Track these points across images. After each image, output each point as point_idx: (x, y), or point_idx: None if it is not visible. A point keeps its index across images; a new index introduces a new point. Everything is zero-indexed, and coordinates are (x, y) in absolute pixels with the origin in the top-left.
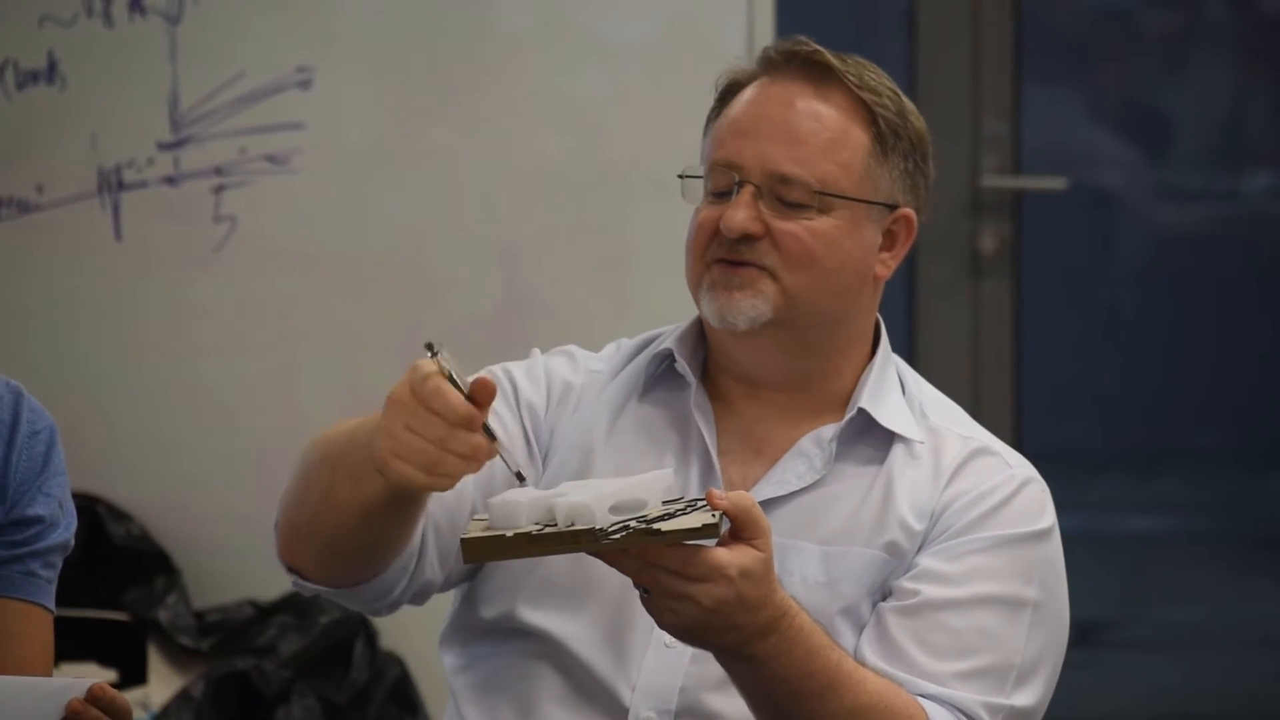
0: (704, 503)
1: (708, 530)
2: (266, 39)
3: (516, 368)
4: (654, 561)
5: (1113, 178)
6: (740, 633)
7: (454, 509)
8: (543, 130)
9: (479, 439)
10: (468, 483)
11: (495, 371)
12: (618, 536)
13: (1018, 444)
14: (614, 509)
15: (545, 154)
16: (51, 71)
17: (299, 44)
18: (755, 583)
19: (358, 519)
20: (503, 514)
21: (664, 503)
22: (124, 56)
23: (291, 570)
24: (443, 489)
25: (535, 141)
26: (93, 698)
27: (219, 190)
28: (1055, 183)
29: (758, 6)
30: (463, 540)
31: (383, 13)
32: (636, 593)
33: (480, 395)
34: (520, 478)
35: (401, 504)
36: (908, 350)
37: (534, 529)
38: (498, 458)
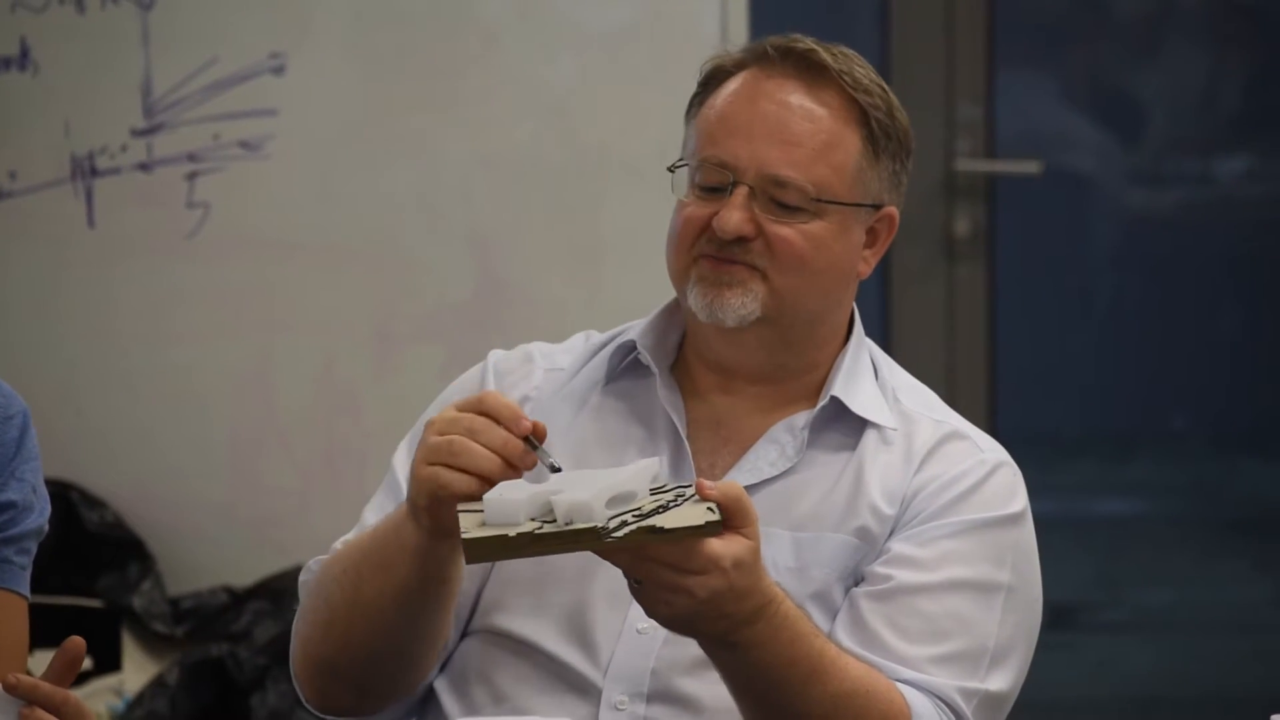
0: (691, 491)
1: (710, 528)
2: (240, 24)
3: (472, 381)
4: (650, 556)
5: (1086, 162)
6: (729, 621)
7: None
8: (517, 117)
9: (516, 439)
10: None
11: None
12: (621, 535)
13: (992, 428)
14: (609, 503)
15: (520, 141)
16: (24, 58)
17: (272, 30)
18: (746, 572)
19: (394, 611)
20: (500, 510)
21: (651, 491)
22: (96, 42)
23: (327, 713)
24: (467, 491)
25: (510, 128)
26: (16, 689)
27: (192, 177)
28: (1029, 167)
29: None
30: (465, 540)
31: None
32: (596, 580)
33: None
34: (555, 469)
35: (436, 579)
36: (882, 334)
37: (534, 527)
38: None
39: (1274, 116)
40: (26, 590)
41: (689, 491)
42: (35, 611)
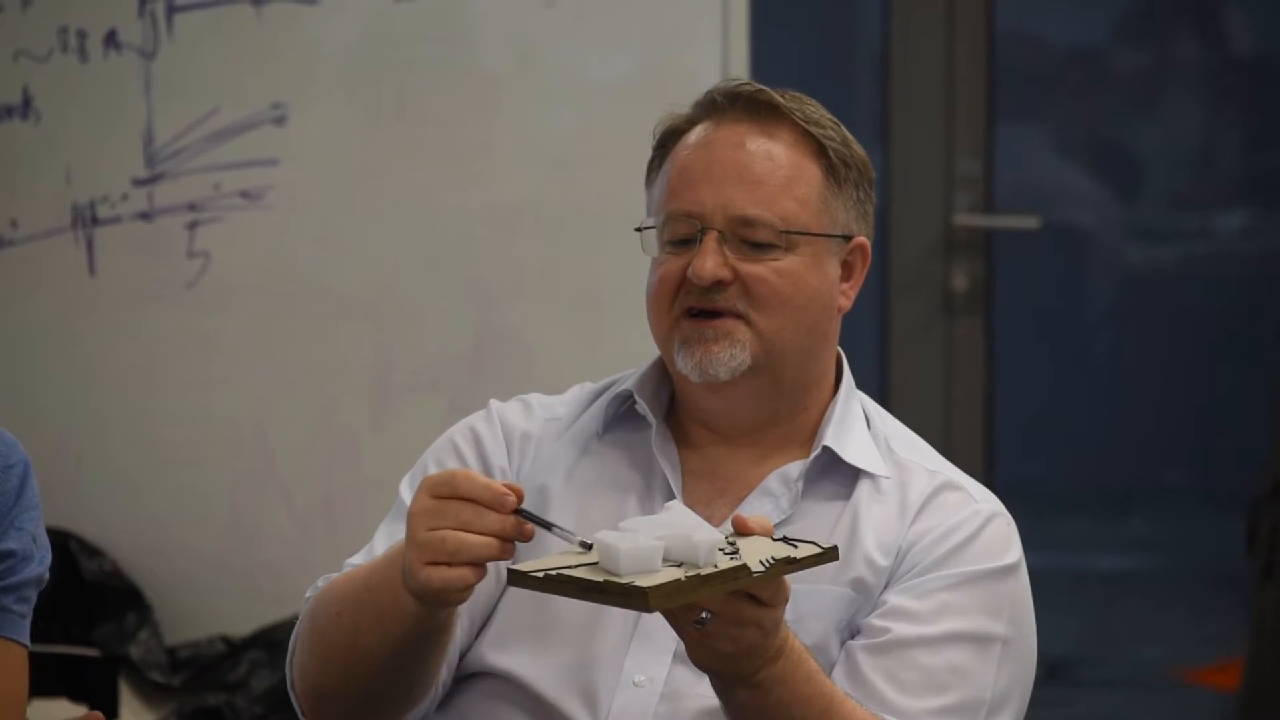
0: (730, 534)
1: (830, 555)
2: (241, 75)
3: (478, 421)
4: (747, 588)
5: (1084, 217)
6: (763, 657)
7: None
8: (518, 168)
9: (509, 517)
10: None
11: (459, 430)
12: (763, 570)
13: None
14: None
15: (520, 191)
16: (26, 106)
17: (274, 80)
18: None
19: (392, 661)
20: (637, 560)
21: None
22: (99, 92)
23: None
24: (471, 579)
25: (510, 179)
26: None
27: (193, 226)
28: (1027, 221)
29: (732, 45)
30: (648, 589)
31: (357, 49)
32: (599, 630)
33: (514, 491)
34: (586, 545)
35: (433, 633)
36: (880, 387)
37: (682, 572)
38: None
39: (1271, 173)
40: (26, 639)
41: (731, 535)
42: (33, 660)
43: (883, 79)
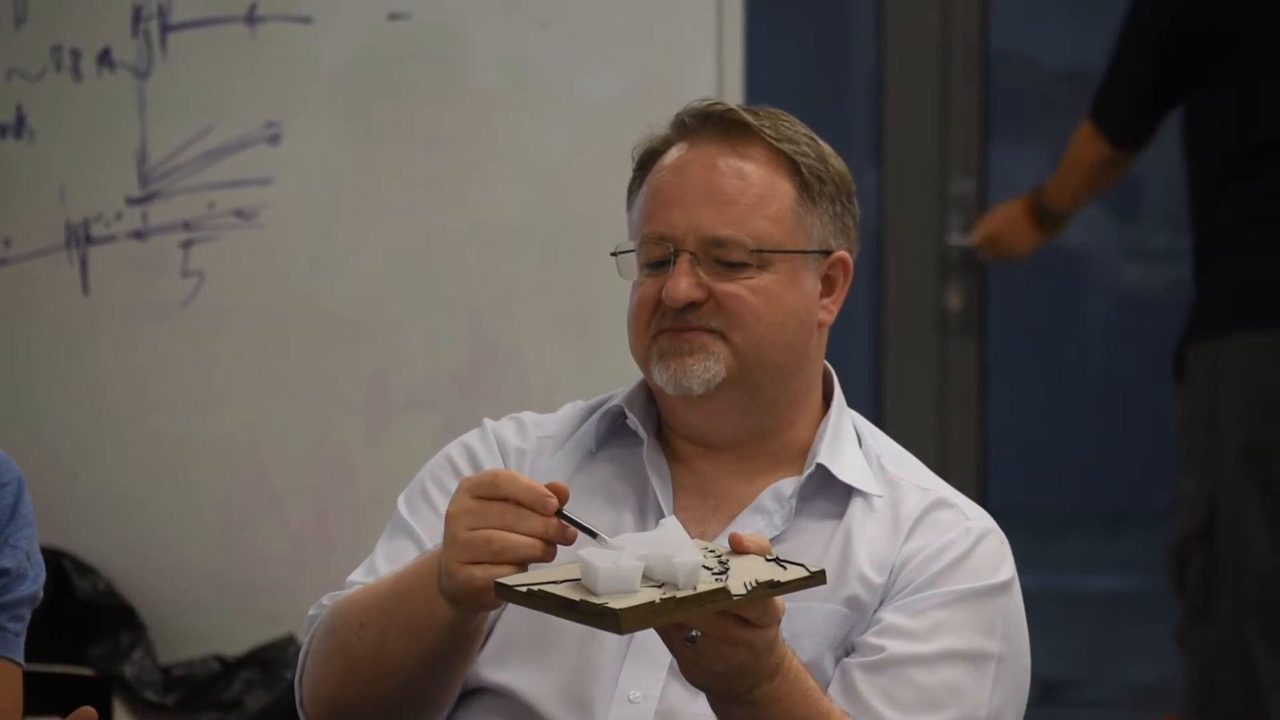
0: (722, 548)
1: (816, 579)
2: (235, 94)
3: (473, 439)
4: (736, 610)
5: (1079, 237)
6: (757, 675)
7: None
8: (510, 186)
9: (553, 519)
10: None
11: (455, 448)
12: (746, 595)
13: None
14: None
15: (514, 210)
16: (20, 125)
17: (267, 99)
18: (780, 625)
19: (419, 671)
20: (615, 579)
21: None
22: (92, 111)
23: None
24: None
25: (502, 197)
26: None
27: (187, 245)
28: None
29: (727, 65)
30: (620, 611)
31: (352, 68)
32: (596, 646)
33: (554, 490)
34: (592, 534)
35: (464, 640)
36: (875, 407)
37: (660, 594)
38: None
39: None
40: (20, 657)
41: (713, 546)
42: (26, 679)
43: (877, 98)
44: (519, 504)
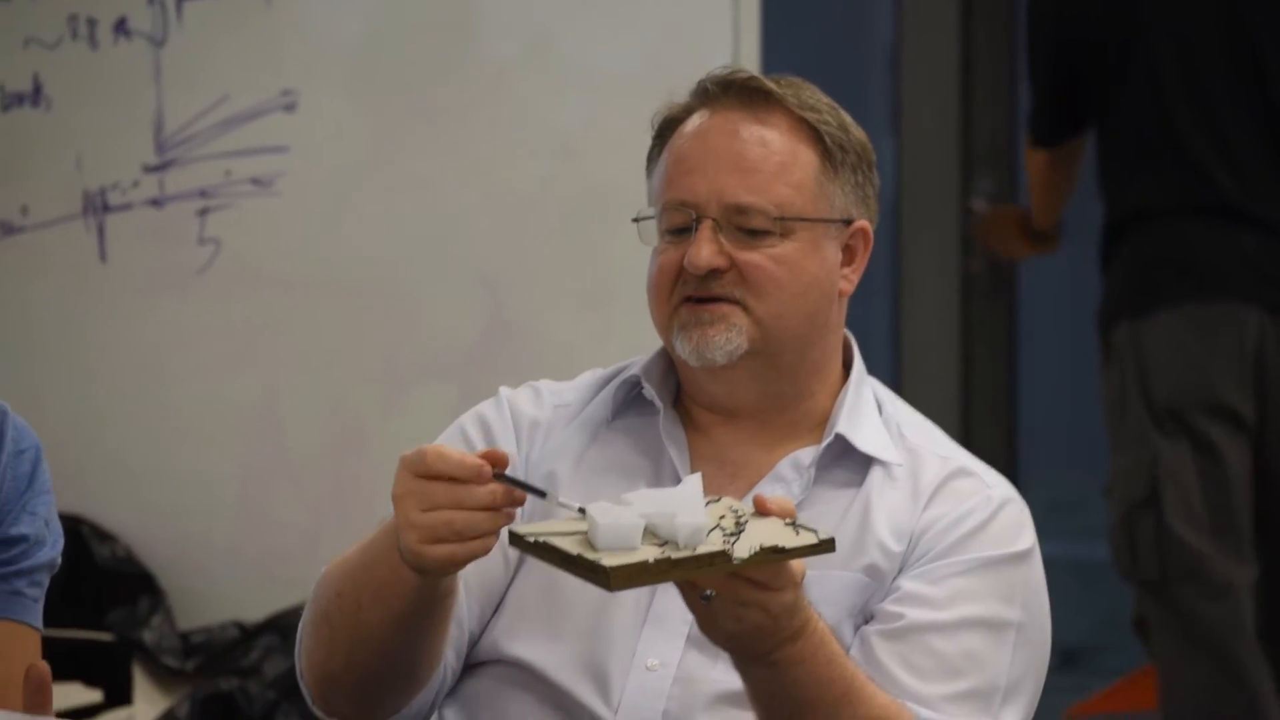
0: (746, 509)
1: (824, 546)
2: (251, 62)
3: (487, 408)
4: (742, 573)
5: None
6: (778, 637)
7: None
8: (526, 156)
9: (495, 485)
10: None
11: (469, 418)
12: (748, 558)
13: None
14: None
15: (528, 180)
16: (36, 94)
17: (284, 67)
18: (801, 587)
19: (395, 637)
20: (615, 535)
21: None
22: (109, 79)
23: (330, 715)
24: (484, 552)
25: (518, 167)
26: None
27: (203, 213)
28: None
29: (743, 34)
30: (610, 568)
31: (367, 37)
32: (610, 613)
33: (488, 459)
34: (583, 511)
35: (434, 603)
36: (895, 372)
37: (659, 553)
38: None
39: None
40: (39, 623)
41: (738, 506)
42: (46, 645)
43: (895, 62)
44: (454, 480)
